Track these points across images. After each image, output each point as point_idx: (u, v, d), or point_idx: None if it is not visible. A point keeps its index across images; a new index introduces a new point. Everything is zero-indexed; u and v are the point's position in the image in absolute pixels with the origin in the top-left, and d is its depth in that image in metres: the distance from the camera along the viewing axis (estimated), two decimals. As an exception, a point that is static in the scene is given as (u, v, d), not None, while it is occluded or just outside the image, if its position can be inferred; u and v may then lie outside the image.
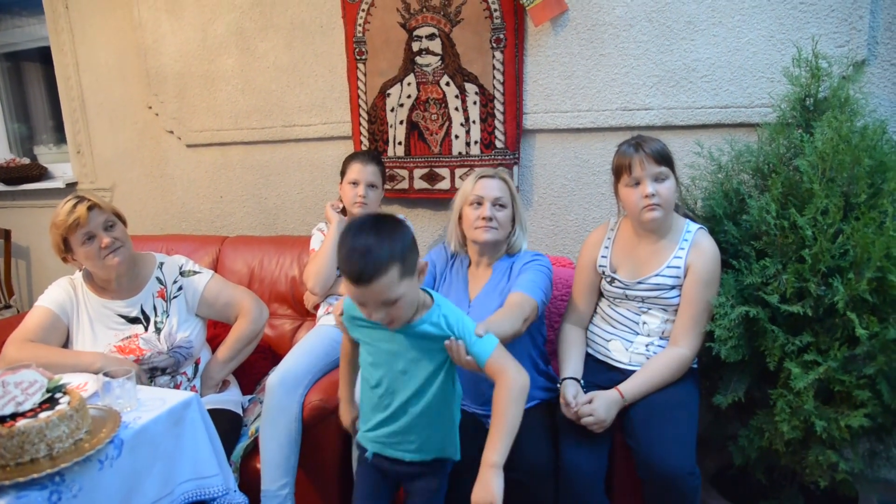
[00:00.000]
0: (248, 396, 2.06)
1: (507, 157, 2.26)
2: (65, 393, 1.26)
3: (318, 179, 2.66)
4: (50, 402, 1.22)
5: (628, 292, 1.66)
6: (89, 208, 1.71)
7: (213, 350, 1.99)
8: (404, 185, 2.44)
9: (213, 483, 1.48)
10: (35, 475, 1.09)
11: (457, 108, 2.29)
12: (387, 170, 2.34)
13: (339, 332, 1.56)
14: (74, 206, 1.70)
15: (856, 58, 1.83)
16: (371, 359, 1.36)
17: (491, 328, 1.31)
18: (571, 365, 1.67)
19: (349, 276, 1.19)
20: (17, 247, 3.47)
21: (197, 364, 1.93)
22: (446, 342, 1.27)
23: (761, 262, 1.53)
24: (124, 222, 1.84)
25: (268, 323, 2.08)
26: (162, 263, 1.91)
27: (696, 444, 1.47)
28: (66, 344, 1.80)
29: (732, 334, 1.52)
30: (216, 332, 2.16)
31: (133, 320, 1.82)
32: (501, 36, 2.18)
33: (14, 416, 1.16)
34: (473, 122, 2.28)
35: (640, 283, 1.63)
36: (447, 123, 2.32)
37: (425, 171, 2.40)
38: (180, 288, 1.90)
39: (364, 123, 2.46)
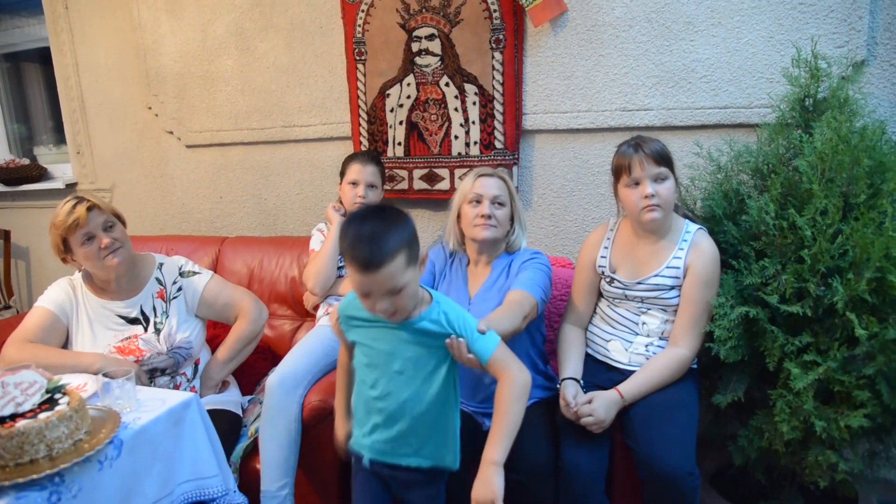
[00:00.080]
0: (248, 397, 2.06)
1: (507, 157, 2.26)
2: (64, 394, 1.26)
3: (317, 180, 2.66)
4: (49, 402, 1.22)
5: (628, 292, 1.66)
6: (89, 209, 1.71)
7: (213, 351, 1.99)
8: (404, 185, 2.44)
9: (213, 483, 1.48)
10: (34, 476, 1.09)
11: (456, 109, 2.30)
12: (386, 170, 2.34)
13: (338, 333, 1.55)
14: (74, 206, 1.70)
15: (855, 58, 1.83)
16: (367, 360, 1.33)
17: (491, 325, 1.30)
18: (571, 365, 1.67)
19: (357, 263, 1.16)
20: (17, 247, 3.47)
21: (196, 365, 1.93)
22: (447, 340, 1.25)
23: (761, 262, 1.53)
24: (124, 223, 1.84)
25: (267, 323, 2.08)
26: (161, 264, 1.91)
27: (695, 445, 1.47)
28: (65, 345, 1.80)
29: (732, 334, 1.52)
30: (216, 332, 2.16)
31: (132, 321, 1.82)
32: (501, 36, 2.18)
33: (14, 417, 1.16)
34: (473, 122, 2.28)
35: (639, 283, 1.63)
36: (447, 124, 2.32)
37: (425, 171, 2.40)
38: (180, 289, 1.90)
39: (364, 124, 2.46)
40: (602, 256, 1.72)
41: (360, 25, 2.37)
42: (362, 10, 2.35)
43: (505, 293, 1.64)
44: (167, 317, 1.85)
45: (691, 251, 1.59)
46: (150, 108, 2.89)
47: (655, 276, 1.61)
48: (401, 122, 2.39)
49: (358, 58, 2.40)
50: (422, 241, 1.28)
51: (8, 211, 3.43)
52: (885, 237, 1.36)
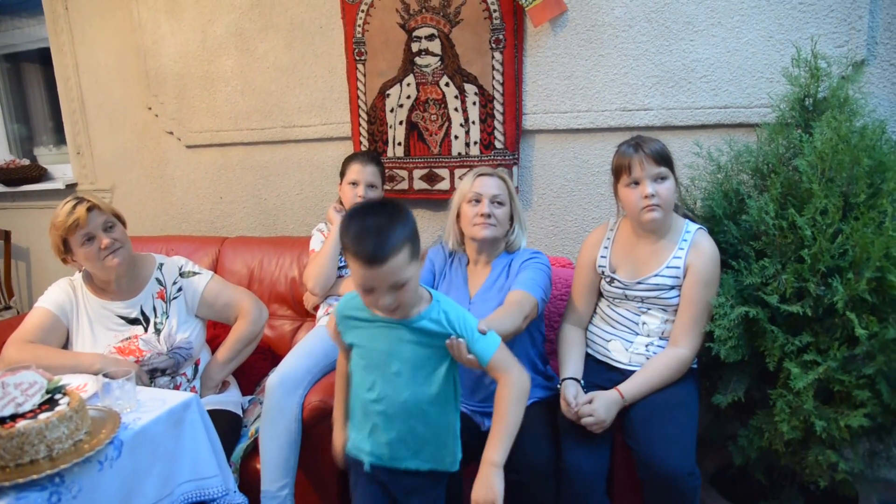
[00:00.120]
0: (248, 397, 2.06)
1: (507, 157, 2.26)
2: (64, 394, 1.26)
3: (317, 180, 2.66)
4: (49, 403, 1.22)
5: (628, 292, 1.66)
6: (89, 209, 1.71)
7: (213, 351, 1.99)
8: (404, 185, 2.44)
9: (213, 484, 1.48)
10: (35, 476, 1.09)
11: (456, 109, 2.30)
12: (386, 170, 2.34)
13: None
14: (74, 207, 1.70)
15: (855, 58, 1.83)
16: (363, 362, 1.31)
17: (492, 326, 1.29)
18: (571, 365, 1.67)
19: (363, 256, 1.13)
20: (17, 248, 3.47)
21: (197, 365, 1.93)
22: (447, 341, 1.24)
23: (761, 262, 1.53)
24: (124, 223, 1.84)
25: (267, 324, 2.08)
26: (161, 264, 1.91)
27: (695, 444, 1.47)
28: (65, 345, 1.80)
29: (732, 334, 1.52)
30: (216, 332, 2.16)
31: (133, 321, 1.82)
32: (501, 36, 2.18)
33: (14, 418, 1.16)
34: (473, 122, 2.28)
35: (639, 283, 1.63)
36: (447, 124, 2.32)
37: (425, 171, 2.40)
38: (180, 289, 1.90)
39: (363, 124, 2.46)
40: (602, 256, 1.72)
41: (359, 25, 2.37)
42: (362, 11, 2.35)
43: (505, 293, 1.64)
44: (167, 317, 1.85)
45: (691, 251, 1.59)
46: (150, 108, 2.89)
47: (655, 275, 1.61)
48: (401, 122, 2.39)
49: (358, 58, 2.40)
50: (422, 241, 1.28)
51: (8, 211, 3.43)
52: (885, 237, 1.36)
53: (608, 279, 1.70)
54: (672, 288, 1.60)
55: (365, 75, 2.41)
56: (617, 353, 1.68)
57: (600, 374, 1.67)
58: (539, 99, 2.22)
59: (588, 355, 1.74)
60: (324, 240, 2.11)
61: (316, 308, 2.18)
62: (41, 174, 3.34)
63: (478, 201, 1.69)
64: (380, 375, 1.28)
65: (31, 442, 1.13)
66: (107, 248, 1.73)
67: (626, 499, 1.59)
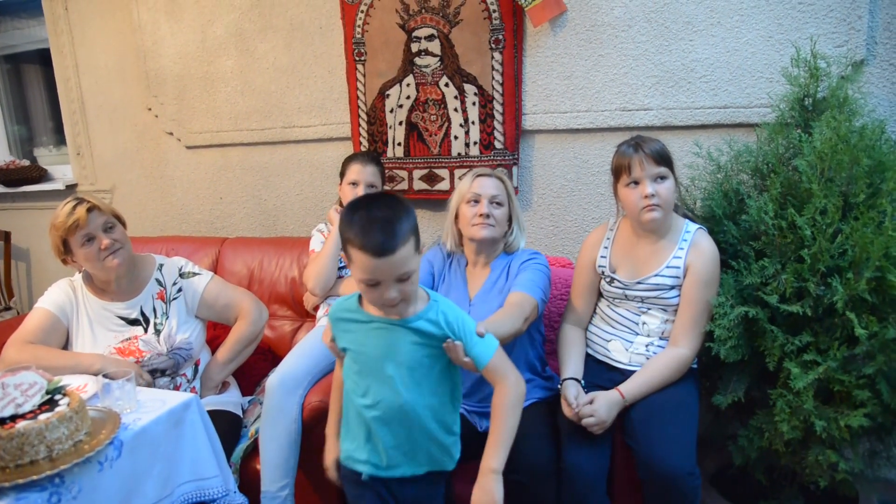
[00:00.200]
0: (248, 398, 2.06)
1: (507, 157, 2.26)
2: (64, 394, 1.26)
3: (317, 180, 2.66)
4: (49, 403, 1.22)
5: (628, 292, 1.66)
6: (89, 210, 1.71)
7: (213, 351, 1.99)
8: (404, 185, 2.44)
9: (213, 484, 1.48)
10: (34, 477, 1.09)
11: (456, 109, 2.30)
12: (386, 171, 2.34)
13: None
14: (74, 207, 1.70)
15: (854, 58, 1.83)
16: (357, 366, 1.27)
17: (492, 328, 1.29)
18: (572, 365, 1.67)
19: (371, 247, 1.12)
20: (17, 248, 3.47)
21: (196, 365, 1.93)
22: (444, 344, 1.22)
23: (760, 262, 1.53)
24: (124, 224, 1.84)
25: (267, 324, 2.08)
26: (161, 265, 1.91)
27: (696, 444, 1.47)
28: (65, 346, 1.80)
29: (732, 334, 1.52)
30: (216, 333, 2.16)
31: (133, 322, 1.82)
32: (500, 37, 2.18)
33: (14, 418, 1.16)
34: (472, 122, 2.28)
35: (639, 283, 1.63)
36: (446, 124, 2.32)
37: (424, 171, 2.40)
38: (180, 290, 1.90)
39: (363, 124, 2.46)
40: (602, 256, 1.72)
41: (359, 26, 2.37)
42: (362, 11, 2.35)
43: (505, 294, 1.64)
44: (167, 318, 1.85)
45: (691, 251, 1.59)
46: (149, 109, 2.89)
47: (655, 275, 1.61)
48: (400, 123, 2.39)
49: (357, 58, 2.41)
50: (422, 241, 1.28)
51: (8, 212, 3.44)
52: (885, 236, 1.36)
53: (608, 279, 1.70)
54: (672, 288, 1.60)
55: (364, 76, 2.41)
56: (617, 353, 1.68)
57: (600, 374, 1.67)
58: (539, 99, 2.22)
59: (588, 355, 1.74)
60: (324, 240, 2.11)
61: (316, 308, 2.18)
62: (41, 175, 3.34)
63: (476, 202, 1.69)
64: (374, 379, 1.25)
65: (31, 442, 1.13)
66: (107, 249, 1.73)
67: (627, 499, 1.59)
